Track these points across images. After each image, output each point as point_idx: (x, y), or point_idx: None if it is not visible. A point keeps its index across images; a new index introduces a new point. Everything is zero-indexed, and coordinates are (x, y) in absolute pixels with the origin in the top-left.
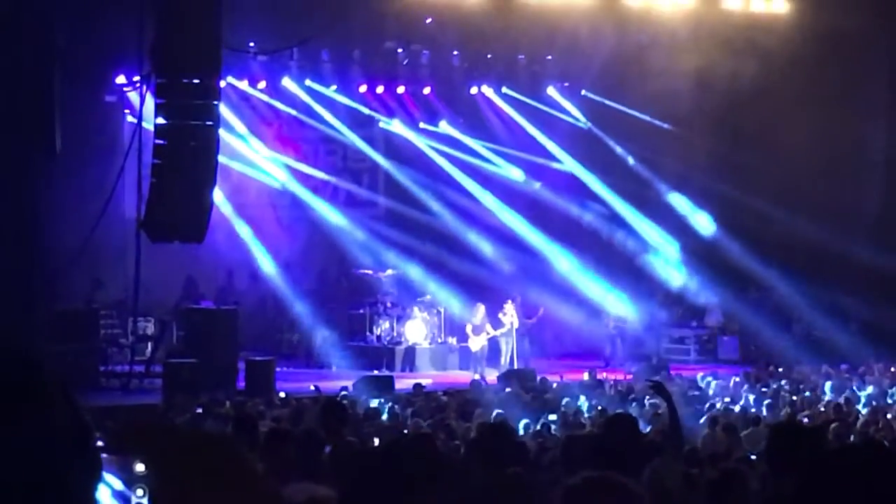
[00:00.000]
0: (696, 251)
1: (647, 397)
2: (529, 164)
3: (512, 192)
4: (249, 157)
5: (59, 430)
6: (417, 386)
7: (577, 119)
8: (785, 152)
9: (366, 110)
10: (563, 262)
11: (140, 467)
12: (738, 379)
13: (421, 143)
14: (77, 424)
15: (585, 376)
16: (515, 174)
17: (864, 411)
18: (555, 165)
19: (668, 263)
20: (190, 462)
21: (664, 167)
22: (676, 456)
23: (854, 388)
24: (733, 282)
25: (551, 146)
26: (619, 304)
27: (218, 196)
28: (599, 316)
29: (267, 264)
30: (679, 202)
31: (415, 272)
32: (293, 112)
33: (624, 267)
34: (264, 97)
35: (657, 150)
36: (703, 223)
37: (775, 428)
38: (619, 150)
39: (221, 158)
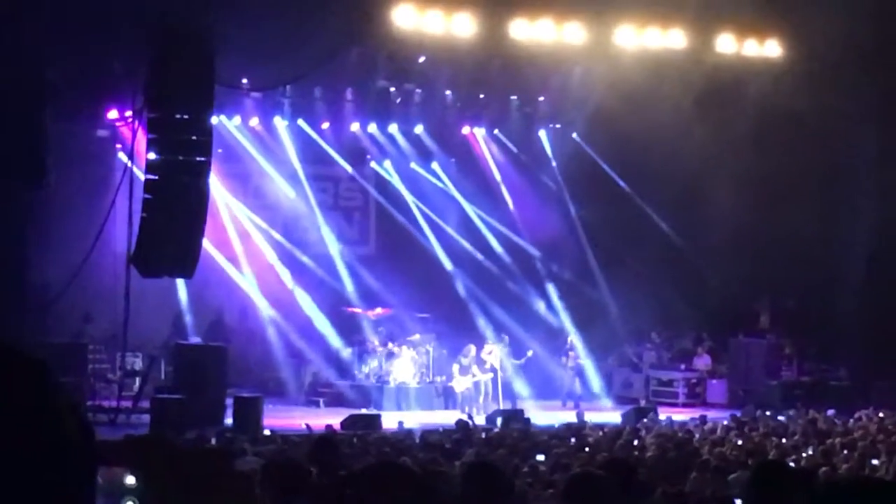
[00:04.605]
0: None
1: (636, 441)
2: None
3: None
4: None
5: (66, 437)
6: (401, 424)
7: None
8: (774, 197)
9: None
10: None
11: (130, 480)
12: (726, 423)
13: (408, 190)
14: (81, 429)
15: (574, 418)
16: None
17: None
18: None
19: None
20: (183, 473)
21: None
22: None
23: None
24: (722, 326)
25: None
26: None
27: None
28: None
29: (257, 303)
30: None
31: (404, 310)
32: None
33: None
34: (247, 143)
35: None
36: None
37: (760, 466)
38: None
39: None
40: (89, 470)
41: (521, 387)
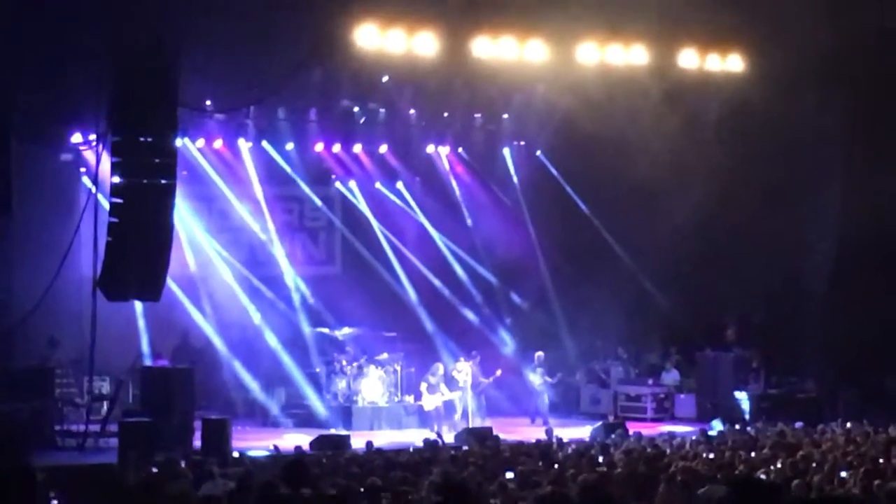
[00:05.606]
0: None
1: (602, 457)
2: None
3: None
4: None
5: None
6: (370, 444)
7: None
8: (738, 211)
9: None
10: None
11: None
12: (695, 437)
13: (372, 210)
14: (22, 471)
15: (542, 435)
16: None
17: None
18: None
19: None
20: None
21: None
22: None
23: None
24: (690, 340)
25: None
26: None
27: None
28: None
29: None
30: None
31: (371, 330)
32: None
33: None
34: (210, 166)
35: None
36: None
37: (734, 483)
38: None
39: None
40: (26, 491)
41: (489, 404)
